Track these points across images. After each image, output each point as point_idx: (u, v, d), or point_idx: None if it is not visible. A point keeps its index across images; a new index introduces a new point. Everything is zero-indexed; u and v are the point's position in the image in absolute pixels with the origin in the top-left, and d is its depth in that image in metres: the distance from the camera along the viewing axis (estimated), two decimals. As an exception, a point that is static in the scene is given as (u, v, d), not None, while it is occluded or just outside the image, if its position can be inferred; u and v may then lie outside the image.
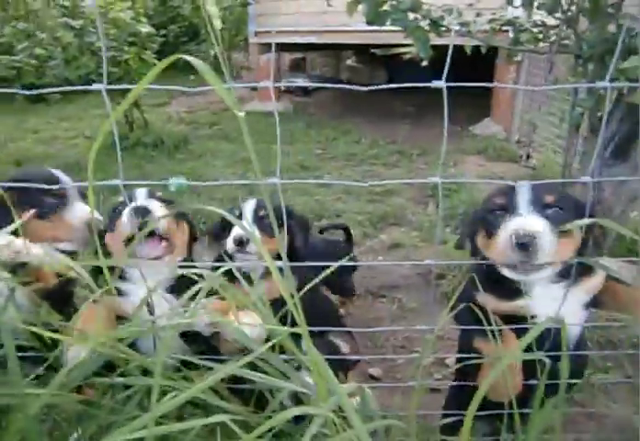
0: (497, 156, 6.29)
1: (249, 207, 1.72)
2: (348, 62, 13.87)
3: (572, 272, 1.20)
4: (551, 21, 2.74)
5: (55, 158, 6.43)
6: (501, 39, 2.90)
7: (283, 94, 9.89)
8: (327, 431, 0.84)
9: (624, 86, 2.19)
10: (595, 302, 1.35)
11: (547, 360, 1.07)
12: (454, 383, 1.63)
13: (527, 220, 1.18)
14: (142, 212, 1.33)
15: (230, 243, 1.64)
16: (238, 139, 7.00)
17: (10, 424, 0.84)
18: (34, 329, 0.92)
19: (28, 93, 0.98)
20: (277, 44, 9.16)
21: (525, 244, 1.13)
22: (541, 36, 2.61)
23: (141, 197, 1.46)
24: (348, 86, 1.08)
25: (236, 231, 1.62)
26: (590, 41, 2.35)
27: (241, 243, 1.61)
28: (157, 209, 1.38)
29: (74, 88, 0.98)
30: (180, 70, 11.69)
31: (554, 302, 1.20)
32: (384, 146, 6.76)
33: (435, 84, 0.89)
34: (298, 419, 1.02)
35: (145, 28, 6.28)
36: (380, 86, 1.01)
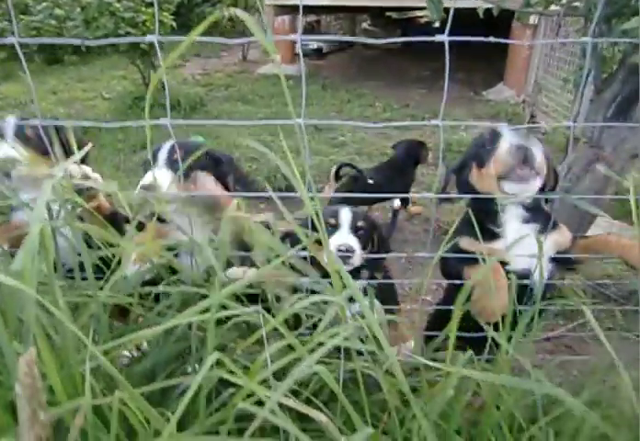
0: (509, 121, 6.36)
1: (164, 150, 1.57)
2: (364, 25, 13.71)
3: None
4: (563, -17, 2.80)
5: (76, 118, 6.60)
6: (513, 1, 2.97)
7: (297, 57, 9.88)
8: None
9: (625, 46, 2.29)
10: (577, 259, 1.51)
11: (531, 282, 1.23)
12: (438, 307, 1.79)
13: (520, 137, 1.40)
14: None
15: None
16: (254, 100, 7.11)
17: (84, 311, 1.04)
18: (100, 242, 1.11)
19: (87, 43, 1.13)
20: (291, 6, 9.11)
21: (523, 147, 1.37)
22: (552, -2, 2.68)
23: None
24: (363, 40, 1.20)
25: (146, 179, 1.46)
26: (597, 3, 2.43)
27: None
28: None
29: (127, 40, 1.12)
30: (194, 29, 11.71)
31: (525, 246, 1.38)
32: (398, 110, 6.85)
33: (438, 38, 1.02)
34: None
35: (162, -11, 6.32)
36: (384, 40, 1.12)
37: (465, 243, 1.46)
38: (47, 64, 9.84)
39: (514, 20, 6.75)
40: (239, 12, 0.77)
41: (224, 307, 1.12)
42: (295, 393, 1.13)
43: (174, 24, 6.39)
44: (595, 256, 1.49)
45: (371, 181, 3.43)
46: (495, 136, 1.44)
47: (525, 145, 1.38)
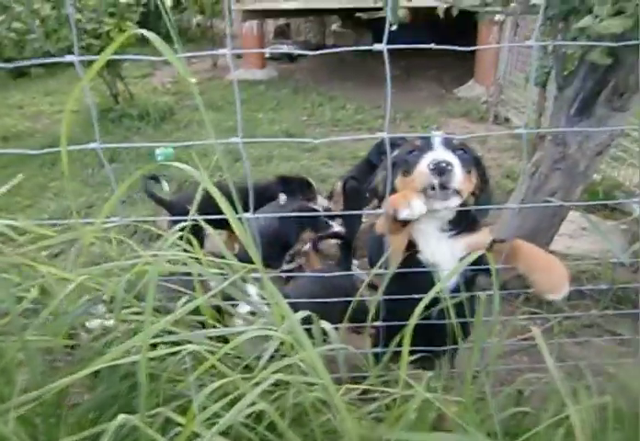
0: (481, 118, 6.37)
1: None
2: (334, 27, 13.69)
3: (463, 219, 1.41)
4: (521, -19, 2.78)
5: (42, 133, 6.46)
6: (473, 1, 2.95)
7: (268, 61, 9.81)
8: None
9: (583, 45, 2.27)
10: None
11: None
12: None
13: (442, 153, 1.37)
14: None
15: None
16: (224, 107, 7.02)
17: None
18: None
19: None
20: (260, 11, 9.05)
21: (442, 168, 1.31)
22: (510, -4, 2.65)
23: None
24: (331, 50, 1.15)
25: None
26: (554, 1, 2.41)
27: None
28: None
29: (49, 61, 1.06)
30: (163, 39, 11.59)
31: (439, 250, 1.41)
32: (369, 111, 6.81)
33: (376, 47, 0.97)
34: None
35: (124, -1, 6.20)
36: (319, 52, 1.08)
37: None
38: (12, 78, 9.64)
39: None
40: (146, 32, 0.71)
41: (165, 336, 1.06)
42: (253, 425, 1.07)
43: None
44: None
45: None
46: (426, 144, 1.41)
47: (446, 164, 1.31)
